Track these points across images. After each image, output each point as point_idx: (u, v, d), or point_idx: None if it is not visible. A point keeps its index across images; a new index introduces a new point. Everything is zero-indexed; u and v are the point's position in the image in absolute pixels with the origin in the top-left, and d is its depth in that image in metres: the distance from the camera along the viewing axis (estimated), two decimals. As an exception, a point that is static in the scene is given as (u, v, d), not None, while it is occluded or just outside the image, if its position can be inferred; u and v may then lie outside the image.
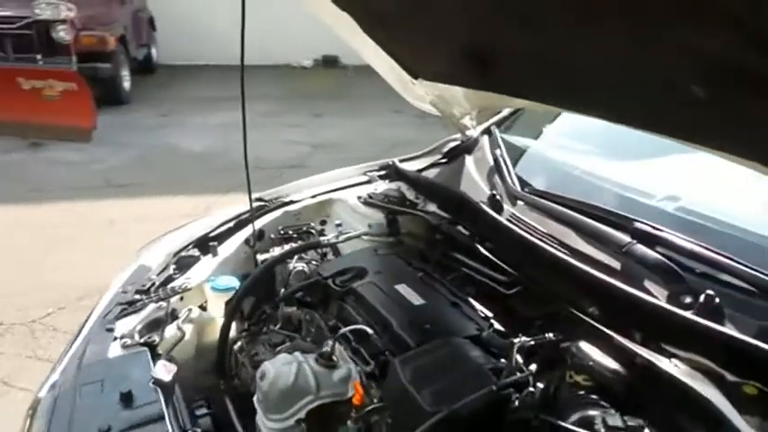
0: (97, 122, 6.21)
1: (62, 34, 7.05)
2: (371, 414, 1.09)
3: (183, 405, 1.15)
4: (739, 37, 0.70)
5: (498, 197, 1.52)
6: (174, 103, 7.88)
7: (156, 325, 1.33)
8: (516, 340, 1.10)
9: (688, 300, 1.08)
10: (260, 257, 1.61)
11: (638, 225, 1.25)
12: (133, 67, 8.64)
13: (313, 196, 1.86)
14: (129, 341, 1.26)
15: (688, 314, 1.01)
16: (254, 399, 1.18)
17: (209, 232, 1.66)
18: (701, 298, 1.04)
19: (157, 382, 1.12)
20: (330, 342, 1.22)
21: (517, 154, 1.84)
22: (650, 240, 1.21)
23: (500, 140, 1.85)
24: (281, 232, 1.69)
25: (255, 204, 1.79)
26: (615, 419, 0.89)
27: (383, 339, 1.19)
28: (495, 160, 1.75)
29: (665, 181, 1.48)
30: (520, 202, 1.54)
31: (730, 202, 1.35)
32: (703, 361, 0.97)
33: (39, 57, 7.04)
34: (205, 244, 1.61)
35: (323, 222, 1.81)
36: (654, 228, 1.24)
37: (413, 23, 1.37)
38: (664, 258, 1.15)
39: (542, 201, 1.48)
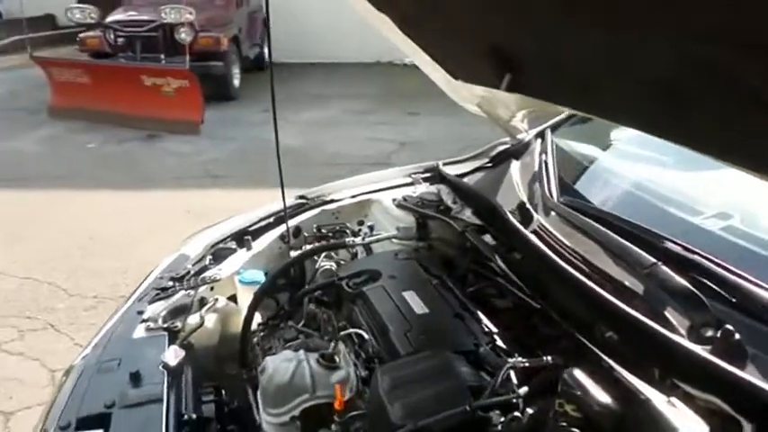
0: (205, 117, 6.68)
1: (183, 36, 7.63)
2: (354, 420, 1.08)
3: (190, 390, 1.21)
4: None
5: (529, 206, 1.44)
6: (278, 100, 8.23)
7: (180, 311, 1.41)
8: (511, 360, 1.04)
9: (709, 333, 0.97)
10: (293, 254, 1.65)
11: (667, 245, 1.13)
12: (245, 66, 9.19)
13: (353, 196, 1.87)
14: (152, 325, 1.35)
15: (699, 350, 0.90)
16: (259, 391, 1.22)
17: (248, 226, 1.73)
18: (719, 333, 0.92)
19: (165, 366, 1.19)
20: (333, 344, 1.24)
21: (575, 163, 1.73)
22: (679, 262, 1.09)
23: (550, 145, 1.75)
24: (317, 230, 1.72)
25: (297, 201, 1.84)
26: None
27: (378, 346, 1.18)
28: (540, 165, 1.66)
29: (720, 196, 1.33)
30: (553, 213, 1.44)
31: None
32: (713, 401, 0.87)
33: (162, 56, 7.72)
34: (242, 237, 1.68)
35: (360, 222, 1.81)
36: (685, 248, 1.11)
37: (437, 25, 1.33)
38: (687, 284, 1.03)
39: (574, 212, 1.38)
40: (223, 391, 1.31)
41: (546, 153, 1.69)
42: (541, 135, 1.87)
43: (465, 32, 1.26)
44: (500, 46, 1.21)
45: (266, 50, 10.95)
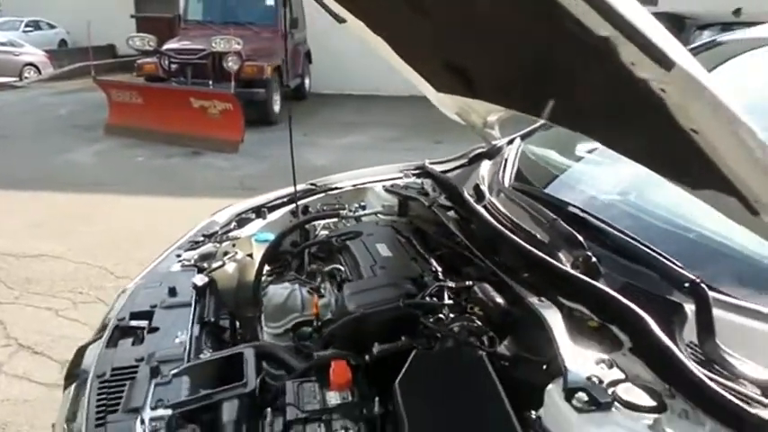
0: (244, 137, 7.27)
1: (230, 64, 8.33)
2: (327, 323, 1.45)
3: (212, 305, 1.61)
4: None
5: (484, 188, 1.83)
6: (315, 126, 8.83)
7: (208, 257, 1.83)
8: (439, 283, 1.41)
9: (572, 260, 1.33)
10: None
11: (569, 208, 1.50)
12: (287, 94, 9.85)
13: (354, 185, 2.28)
14: (186, 263, 1.77)
15: (567, 268, 1.27)
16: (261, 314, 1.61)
17: (266, 203, 2.15)
18: (582, 258, 1.29)
19: (194, 285, 1.60)
20: (320, 279, 1.64)
21: (534, 163, 2.11)
22: (573, 219, 1.46)
23: (515, 147, 2.13)
24: (320, 209, 2.13)
25: (307, 187, 2.26)
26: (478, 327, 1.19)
27: (350, 275, 1.57)
28: (502, 161, 2.04)
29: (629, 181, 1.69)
30: (501, 194, 1.82)
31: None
32: (579, 308, 1.22)
33: (210, 82, 8.42)
34: (260, 209, 2.11)
35: (355, 206, 2.22)
36: (581, 210, 1.48)
37: (414, 43, 1.75)
38: (573, 232, 1.39)
39: (516, 192, 1.76)
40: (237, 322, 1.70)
41: (513, 153, 2.08)
42: (511, 141, 2.26)
43: (426, 49, 1.67)
44: (454, 61, 1.62)
45: (307, 81, 11.69)
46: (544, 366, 1.12)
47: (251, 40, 8.90)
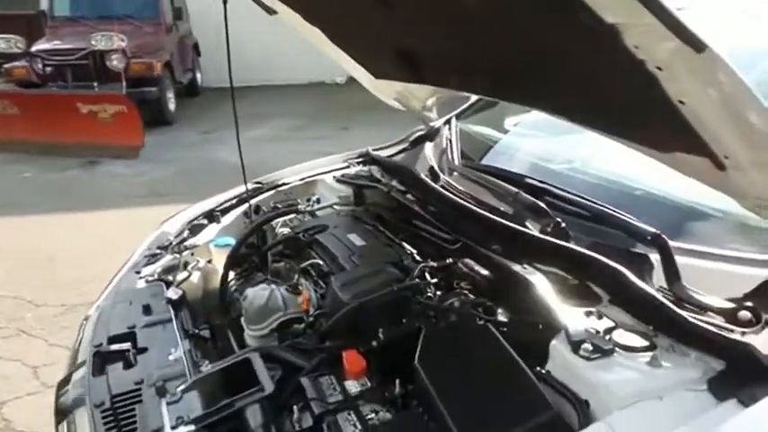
0: (144, 141, 6.89)
1: (115, 62, 7.81)
2: (318, 317, 1.48)
3: (189, 318, 1.59)
4: None
5: (438, 170, 1.92)
6: (215, 122, 8.51)
7: (171, 270, 1.78)
8: (423, 264, 1.49)
9: (549, 228, 1.45)
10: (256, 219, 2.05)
11: (527, 180, 1.63)
12: (179, 91, 9.40)
13: (301, 179, 2.29)
14: (150, 278, 1.72)
15: (539, 234, 1.39)
16: (243, 318, 1.60)
17: (216, 207, 2.11)
18: (552, 224, 1.41)
19: (169, 300, 1.56)
20: (296, 276, 1.65)
21: (473, 139, 2.23)
22: (532, 190, 1.58)
23: (454, 127, 2.24)
24: (273, 206, 2.13)
25: (254, 186, 2.24)
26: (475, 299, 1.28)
27: (330, 267, 1.60)
28: (446, 142, 2.14)
29: (570, 150, 1.85)
30: (454, 173, 1.92)
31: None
32: (551, 269, 1.34)
33: (95, 84, 7.85)
34: (212, 214, 2.07)
35: (308, 200, 2.23)
36: (539, 181, 1.61)
37: (357, 33, 1.78)
38: (537, 201, 1.52)
39: (469, 170, 1.86)
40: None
41: (453, 133, 2.18)
42: (448, 121, 2.36)
43: (375, 38, 1.72)
44: (404, 46, 1.68)
45: (198, 75, 11.21)
46: (540, 326, 1.23)
47: (134, 36, 8.34)
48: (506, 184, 1.64)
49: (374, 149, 2.38)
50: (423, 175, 1.87)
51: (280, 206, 2.14)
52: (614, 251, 1.30)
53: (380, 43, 1.74)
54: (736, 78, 0.78)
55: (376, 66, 2.02)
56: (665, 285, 1.21)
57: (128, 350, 1.39)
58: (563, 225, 1.40)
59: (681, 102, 0.85)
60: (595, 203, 1.45)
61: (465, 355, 1.18)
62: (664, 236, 1.26)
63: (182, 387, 1.21)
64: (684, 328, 1.07)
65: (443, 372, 1.12)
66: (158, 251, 1.88)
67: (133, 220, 4.77)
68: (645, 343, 1.09)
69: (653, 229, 1.28)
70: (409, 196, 1.90)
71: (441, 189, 1.76)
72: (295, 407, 1.16)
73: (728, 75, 0.77)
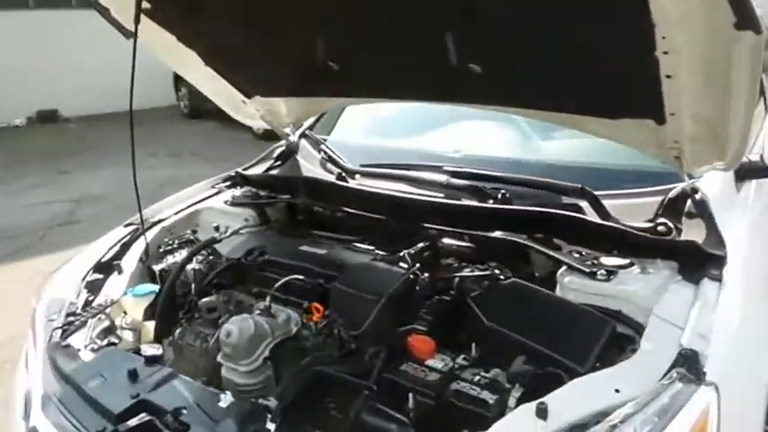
0: None
1: None
2: (326, 326, 1.47)
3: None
4: None
5: (345, 174, 2.03)
6: None
7: (108, 332, 1.50)
8: (402, 253, 1.61)
9: (490, 202, 1.74)
10: (157, 267, 1.84)
11: (447, 167, 1.89)
12: None
13: (177, 212, 2.09)
14: (94, 346, 1.43)
15: (493, 204, 1.67)
16: (221, 358, 1.45)
17: (102, 257, 1.82)
18: (499, 195, 1.71)
19: (153, 358, 1.35)
20: (266, 301, 1.57)
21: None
22: (458, 175, 1.85)
23: (316, 139, 2.38)
24: (169, 244, 1.93)
25: (130, 228, 1.98)
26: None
27: (310, 282, 1.59)
28: (324, 153, 2.26)
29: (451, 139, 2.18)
30: (357, 175, 2.06)
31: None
32: (499, 235, 1.61)
33: None
34: (104, 267, 1.77)
35: (194, 231, 2.07)
36: (458, 167, 1.89)
37: (257, 51, 1.79)
38: (470, 182, 1.80)
39: (376, 170, 2.04)
40: None
41: (323, 143, 2.31)
42: (303, 135, 2.45)
43: (290, 53, 1.76)
44: (320, 60, 1.75)
45: None
46: (536, 275, 1.51)
47: None
48: (424, 174, 1.87)
49: (245, 169, 2.32)
50: (338, 182, 1.97)
51: (174, 243, 1.96)
52: (552, 206, 1.67)
53: (292, 59, 1.78)
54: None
55: (260, 84, 2.02)
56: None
57: (149, 421, 1.19)
58: (507, 194, 1.71)
59: (668, 76, 1.22)
60: (518, 175, 1.80)
61: (518, 306, 1.38)
62: (587, 188, 1.67)
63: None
64: (645, 245, 1.46)
65: (512, 322, 1.30)
66: (71, 318, 1.54)
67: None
68: (627, 261, 1.45)
69: (577, 185, 1.68)
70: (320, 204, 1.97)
71: (372, 190, 1.88)
72: (410, 394, 1.19)
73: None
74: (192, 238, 2.01)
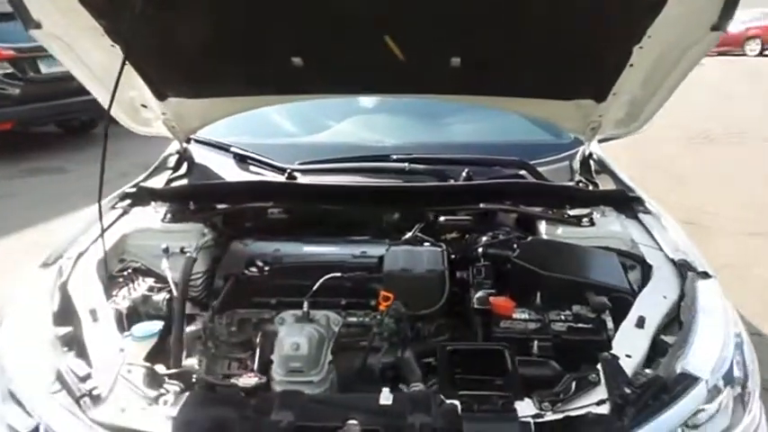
0: None
1: None
2: (388, 311, 1.46)
3: None
4: None
5: (293, 172, 1.96)
6: None
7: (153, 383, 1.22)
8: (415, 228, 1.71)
9: (452, 181, 1.94)
10: (122, 307, 1.52)
11: (399, 157, 2.01)
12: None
13: (93, 242, 1.69)
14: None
15: (466, 182, 1.89)
16: (286, 375, 1.33)
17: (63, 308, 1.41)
18: (464, 174, 1.92)
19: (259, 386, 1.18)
20: (304, 307, 1.48)
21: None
22: (417, 162, 2.00)
23: (221, 143, 2.19)
24: (125, 273, 1.61)
25: (54, 268, 1.56)
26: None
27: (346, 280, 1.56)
28: (238, 156, 2.11)
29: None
30: (297, 173, 2.00)
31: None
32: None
33: None
34: (63, 316, 1.39)
35: (122, 260, 1.73)
36: (407, 154, 2.03)
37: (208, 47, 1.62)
38: (431, 166, 1.96)
39: (317, 166, 2.02)
40: None
41: (232, 146, 2.16)
42: (188, 141, 2.20)
43: (267, 50, 1.63)
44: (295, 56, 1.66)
45: None
46: (527, 235, 1.79)
47: None
48: (393, 163, 1.97)
49: (135, 185, 1.98)
50: (291, 181, 1.90)
51: (127, 272, 1.64)
52: (500, 177, 1.97)
53: (268, 57, 1.65)
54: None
55: (181, 84, 1.80)
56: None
57: None
58: (471, 174, 1.94)
59: (630, 65, 1.59)
60: (464, 155, 2.04)
61: (555, 255, 1.60)
62: (524, 159, 2.01)
63: None
64: (588, 198, 1.85)
65: (559, 269, 1.52)
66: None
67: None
68: (588, 211, 1.82)
69: (515, 157, 2.01)
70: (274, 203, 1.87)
71: (346, 184, 1.89)
72: (535, 342, 1.34)
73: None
74: (139, 266, 1.68)
